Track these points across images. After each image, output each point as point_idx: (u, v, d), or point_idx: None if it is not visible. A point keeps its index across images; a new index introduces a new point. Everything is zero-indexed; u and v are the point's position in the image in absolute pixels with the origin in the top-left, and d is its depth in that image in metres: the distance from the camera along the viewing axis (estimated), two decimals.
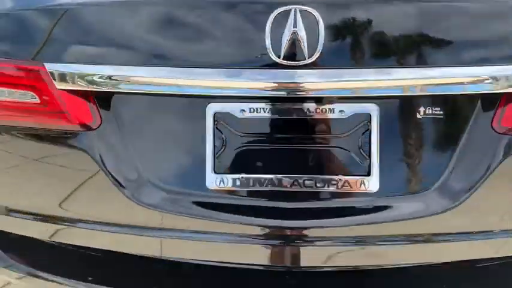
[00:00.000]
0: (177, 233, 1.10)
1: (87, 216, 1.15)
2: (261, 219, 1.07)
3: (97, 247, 1.20)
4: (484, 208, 1.06)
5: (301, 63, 0.96)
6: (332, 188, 1.04)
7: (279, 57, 0.96)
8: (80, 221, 1.16)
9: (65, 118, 1.08)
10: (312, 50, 0.95)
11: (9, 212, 1.22)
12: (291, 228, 1.06)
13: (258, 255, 1.11)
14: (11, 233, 1.28)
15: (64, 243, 1.25)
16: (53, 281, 1.21)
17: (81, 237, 1.19)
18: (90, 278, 1.19)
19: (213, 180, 1.07)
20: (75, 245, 1.25)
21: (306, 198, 1.07)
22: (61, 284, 1.20)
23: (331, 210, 1.07)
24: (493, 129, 1.03)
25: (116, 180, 1.09)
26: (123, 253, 1.22)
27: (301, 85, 0.97)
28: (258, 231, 1.08)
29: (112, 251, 1.22)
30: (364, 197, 1.05)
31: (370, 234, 1.06)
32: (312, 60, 0.96)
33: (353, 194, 1.05)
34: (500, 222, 1.08)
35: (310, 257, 1.09)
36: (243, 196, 1.08)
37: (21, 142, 1.16)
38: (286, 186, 1.05)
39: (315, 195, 1.06)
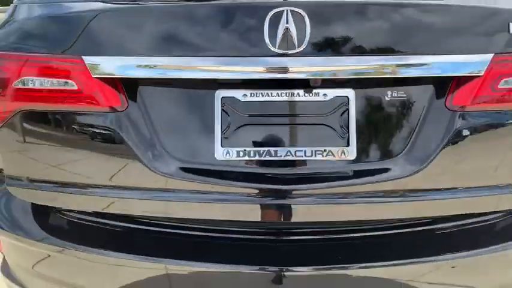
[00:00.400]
0: (191, 195, 1.29)
1: (111, 184, 1.32)
2: (261, 184, 1.28)
3: (118, 212, 1.38)
4: (443, 170, 1.27)
5: (292, 52, 1.18)
6: (318, 157, 1.26)
7: (274, 47, 1.18)
8: (105, 187, 1.33)
9: (97, 102, 1.26)
10: (300, 42, 1.18)
11: (44, 183, 1.37)
12: (286, 190, 1.27)
13: (258, 214, 1.30)
14: (46, 209, 1.45)
15: (95, 219, 1.43)
16: (85, 251, 1.36)
17: (106, 204, 1.35)
18: (115, 248, 1.35)
19: (220, 153, 1.27)
20: (104, 220, 1.42)
21: (297, 165, 1.28)
22: (93, 254, 1.35)
23: (318, 175, 1.28)
24: (446, 107, 1.26)
25: (140, 153, 1.27)
26: (144, 225, 1.41)
27: (292, 69, 1.19)
28: (258, 193, 1.28)
29: (133, 225, 1.41)
30: (344, 163, 1.27)
31: (349, 192, 1.27)
32: (300, 50, 1.18)
33: (335, 161, 1.27)
34: (460, 182, 1.30)
35: (301, 214, 1.30)
36: (245, 165, 1.28)
37: (58, 122, 1.32)
38: (280, 156, 1.26)
39: (305, 163, 1.28)
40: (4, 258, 1.58)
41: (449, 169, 1.28)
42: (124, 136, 1.27)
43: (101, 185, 1.33)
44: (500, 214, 1.40)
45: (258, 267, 1.30)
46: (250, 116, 1.28)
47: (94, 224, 1.44)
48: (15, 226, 1.44)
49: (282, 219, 1.31)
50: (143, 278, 1.37)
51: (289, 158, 1.26)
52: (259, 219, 1.30)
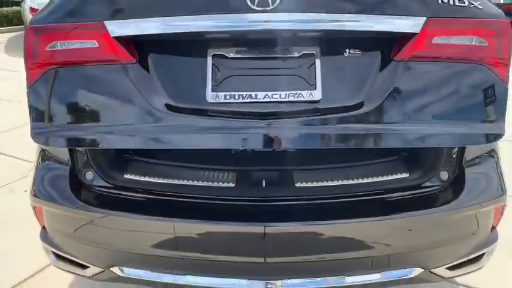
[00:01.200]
0: (187, 128, 1.55)
1: (123, 122, 1.56)
2: (243, 120, 1.55)
3: (127, 147, 1.66)
4: (393, 107, 1.54)
5: (268, 8, 1.46)
6: (291, 98, 1.56)
7: (253, 4, 1.46)
8: (118, 125, 1.56)
9: (113, 57, 1.54)
10: (273, 1, 1.46)
11: (70, 126, 1.58)
12: (265, 124, 1.54)
13: (241, 141, 1.56)
14: (81, 182, 1.75)
15: (119, 191, 1.73)
16: (113, 215, 1.64)
17: (119, 141, 1.58)
18: (135, 212, 1.65)
19: (211, 96, 1.58)
20: (126, 192, 1.72)
21: (273, 105, 1.56)
22: (118, 217, 1.64)
23: (292, 111, 1.57)
24: (393, 59, 1.55)
25: (147, 96, 1.55)
26: (158, 195, 1.70)
27: (267, 21, 1.47)
28: (242, 126, 1.55)
29: (149, 195, 1.71)
30: (312, 102, 1.57)
31: (315, 120, 1.55)
32: (274, 6, 1.46)
33: (305, 101, 1.56)
34: (405, 117, 1.54)
35: (277, 140, 1.55)
36: (231, 105, 1.57)
37: (82, 75, 1.57)
38: (260, 98, 1.56)
39: (280, 103, 1.57)
40: (43, 227, 1.87)
41: (396, 107, 1.54)
42: (134, 83, 1.55)
43: (115, 124, 1.57)
44: (438, 186, 1.72)
45: (246, 223, 1.61)
46: (236, 68, 1.58)
47: (118, 195, 1.75)
48: (54, 196, 1.72)
49: (261, 146, 1.57)
50: (157, 235, 1.68)
51: (267, 99, 1.56)
52: (241, 146, 1.57)
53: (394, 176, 1.74)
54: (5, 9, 15.41)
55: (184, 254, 1.67)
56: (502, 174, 1.75)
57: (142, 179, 1.78)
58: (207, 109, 1.58)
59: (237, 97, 1.57)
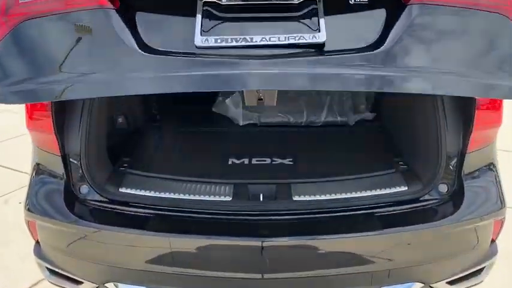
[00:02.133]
0: (178, 71, 1.44)
1: (105, 68, 1.47)
2: (237, 59, 1.42)
3: (110, 95, 1.58)
4: (402, 51, 1.44)
5: None
6: (291, 41, 1.43)
7: None
8: (102, 72, 1.45)
9: (94, 2, 1.45)
10: None
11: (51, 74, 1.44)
12: (261, 63, 1.41)
13: (234, 82, 1.46)
14: (75, 196, 1.72)
15: (113, 205, 1.72)
16: (108, 230, 1.62)
17: (99, 88, 1.46)
18: (130, 227, 1.63)
19: (199, 40, 1.43)
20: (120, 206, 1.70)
21: (271, 48, 1.44)
22: (115, 232, 1.62)
23: (292, 52, 1.45)
24: (404, 3, 1.44)
25: (128, 41, 1.44)
26: (153, 210, 1.68)
27: None
28: (235, 69, 1.41)
29: (144, 210, 1.68)
30: (316, 45, 1.45)
31: (317, 61, 1.46)
32: None
33: (308, 43, 1.44)
34: (414, 62, 1.45)
35: (275, 80, 1.43)
36: (222, 49, 1.44)
37: (58, 23, 1.47)
38: (256, 42, 1.43)
39: (279, 45, 1.44)
40: (37, 242, 1.86)
41: (405, 51, 1.45)
42: (115, 27, 1.45)
43: (99, 71, 1.46)
44: (437, 200, 1.70)
45: (242, 238, 1.59)
46: (228, 15, 1.48)
47: (113, 210, 1.73)
48: (48, 211, 1.70)
49: (257, 85, 1.49)
50: (152, 250, 1.66)
51: (264, 42, 1.43)
52: (238, 87, 1.50)
53: (393, 190, 1.73)
54: None
55: (180, 269, 1.66)
56: (501, 187, 1.74)
57: (137, 192, 1.77)
58: (194, 52, 1.46)
59: (229, 40, 1.44)
